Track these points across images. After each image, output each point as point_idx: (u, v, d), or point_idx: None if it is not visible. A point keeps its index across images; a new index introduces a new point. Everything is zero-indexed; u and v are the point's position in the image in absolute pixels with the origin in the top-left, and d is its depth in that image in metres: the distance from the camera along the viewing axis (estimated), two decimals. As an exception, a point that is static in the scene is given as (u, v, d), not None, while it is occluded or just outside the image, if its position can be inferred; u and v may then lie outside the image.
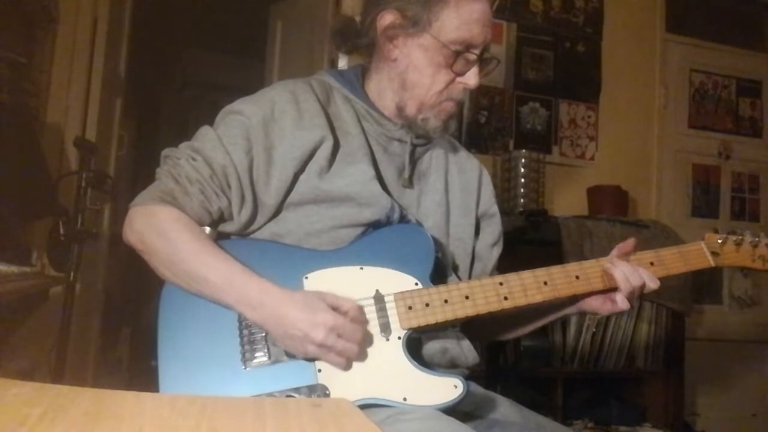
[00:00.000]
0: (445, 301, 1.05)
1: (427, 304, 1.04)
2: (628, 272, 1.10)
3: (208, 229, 1.10)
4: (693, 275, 2.53)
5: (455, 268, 1.21)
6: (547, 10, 3.12)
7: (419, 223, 1.16)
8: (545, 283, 1.10)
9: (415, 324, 1.03)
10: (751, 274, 2.92)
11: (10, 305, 1.71)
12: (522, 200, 2.77)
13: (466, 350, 1.14)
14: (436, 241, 1.12)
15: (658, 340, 2.63)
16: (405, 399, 0.97)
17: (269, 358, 0.99)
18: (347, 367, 0.98)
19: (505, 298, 1.08)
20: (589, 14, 3.19)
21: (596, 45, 3.19)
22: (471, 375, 1.12)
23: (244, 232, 1.12)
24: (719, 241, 1.19)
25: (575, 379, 2.63)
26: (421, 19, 1.12)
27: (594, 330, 2.54)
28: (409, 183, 1.20)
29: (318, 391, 0.97)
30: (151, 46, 4.15)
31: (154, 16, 3.97)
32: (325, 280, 1.04)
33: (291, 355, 0.99)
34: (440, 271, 1.13)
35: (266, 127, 1.10)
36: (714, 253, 1.18)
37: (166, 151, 1.11)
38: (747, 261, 1.20)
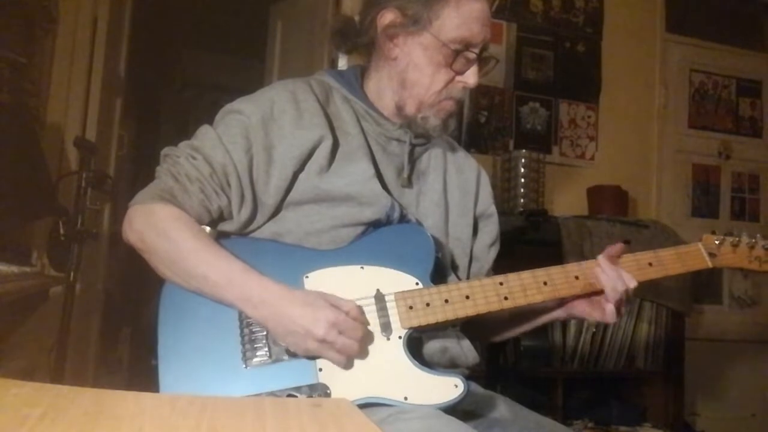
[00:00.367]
0: (446, 301, 1.05)
1: (428, 304, 1.04)
2: (614, 279, 1.09)
3: (208, 229, 1.10)
4: (693, 275, 2.53)
5: (455, 268, 1.21)
6: (547, 10, 3.12)
7: (419, 223, 1.16)
8: (545, 284, 1.10)
9: (415, 323, 1.03)
10: (750, 275, 2.92)
11: (10, 305, 1.70)
12: (522, 200, 2.77)
13: (466, 350, 1.14)
14: (435, 240, 1.12)
15: (658, 340, 2.63)
16: (406, 398, 0.97)
17: (270, 356, 0.99)
18: (348, 365, 0.98)
19: (505, 298, 1.08)
20: (589, 14, 3.19)
21: (596, 45, 3.19)
22: (471, 375, 1.12)
23: (243, 232, 1.12)
24: (716, 243, 1.20)
25: (575, 379, 2.63)
26: (421, 17, 1.12)
27: (594, 330, 2.55)
28: (408, 183, 1.20)
29: (319, 390, 0.97)
30: (151, 46, 4.14)
31: (154, 17, 3.97)
32: (326, 279, 1.04)
33: (292, 354, 0.99)
34: (440, 271, 1.13)
35: (266, 127, 1.10)
36: (711, 254, 1.19)
37: (165, 150, 1.11)
38: (744, 262, 1.21)
